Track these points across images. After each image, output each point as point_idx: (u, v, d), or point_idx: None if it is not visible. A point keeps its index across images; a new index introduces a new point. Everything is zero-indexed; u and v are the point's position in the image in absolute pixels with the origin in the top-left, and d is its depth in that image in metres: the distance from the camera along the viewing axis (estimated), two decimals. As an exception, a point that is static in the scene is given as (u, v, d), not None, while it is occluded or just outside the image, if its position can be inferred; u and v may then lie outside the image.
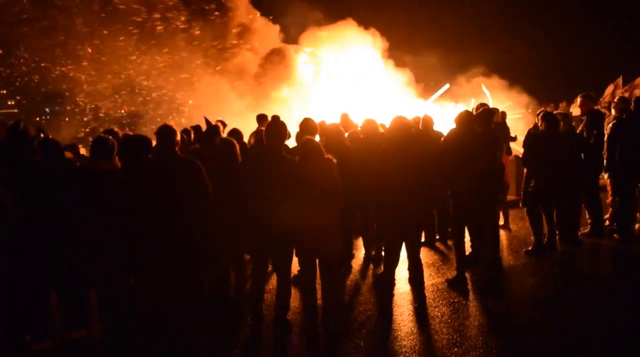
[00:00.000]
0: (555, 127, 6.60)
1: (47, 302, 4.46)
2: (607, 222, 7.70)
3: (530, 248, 6.83)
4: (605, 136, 7.07)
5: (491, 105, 11.11)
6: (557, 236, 6.94)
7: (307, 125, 6.27)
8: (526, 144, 6.87)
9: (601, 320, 4.79)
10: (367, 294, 5.65)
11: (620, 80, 13.44)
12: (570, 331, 4.57)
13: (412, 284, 5.62)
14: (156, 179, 4.41)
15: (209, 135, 5.90)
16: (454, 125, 5.91)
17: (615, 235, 7.29)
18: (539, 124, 6.74)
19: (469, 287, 5.70)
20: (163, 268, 4.41)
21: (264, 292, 5.13)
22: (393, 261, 5.24)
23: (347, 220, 5.92)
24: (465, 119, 5.72)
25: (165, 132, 4.58)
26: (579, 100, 7.81)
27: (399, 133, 5.13)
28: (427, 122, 7.00)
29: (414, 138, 5.24)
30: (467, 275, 5.89)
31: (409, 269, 5.54)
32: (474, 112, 6.56)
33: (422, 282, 5.36)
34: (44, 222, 4.15)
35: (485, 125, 5.97)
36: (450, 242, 7.09)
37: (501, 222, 7.91)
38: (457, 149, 5.57)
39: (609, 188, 7.39)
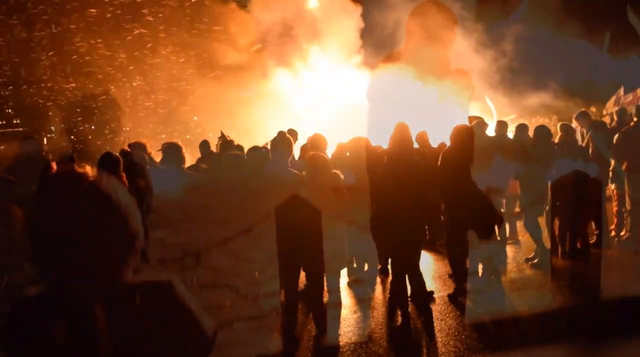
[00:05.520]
0: (547, 141, 6.63)
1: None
2: (612, 233, 7.68)
3: (536, 261, 6.83)
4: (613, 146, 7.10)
5: (495, 118, 11.13)
6: (560, 247, 6.93)
7: (317, 141, 6.23)
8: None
9: (606, 332, 4.78)
10: (373, 306, 5.68)
11: (621, 91, 13.48)
12: (578, 344, 4.57)
13: (416, 297, 5.61)
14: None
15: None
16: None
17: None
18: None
19: (476, 299, 5.71)
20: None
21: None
22: (400, 273, 5.24)
23: None
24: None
25: (171, 149, 4.58)
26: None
27: (398, 145, 5.05)
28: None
29: (412, 151, 5.22)
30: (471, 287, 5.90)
31: (411, 283, 5.53)
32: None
33: (427, 295, 5.38)
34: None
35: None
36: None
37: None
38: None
39: (615, 198, 7.40)
